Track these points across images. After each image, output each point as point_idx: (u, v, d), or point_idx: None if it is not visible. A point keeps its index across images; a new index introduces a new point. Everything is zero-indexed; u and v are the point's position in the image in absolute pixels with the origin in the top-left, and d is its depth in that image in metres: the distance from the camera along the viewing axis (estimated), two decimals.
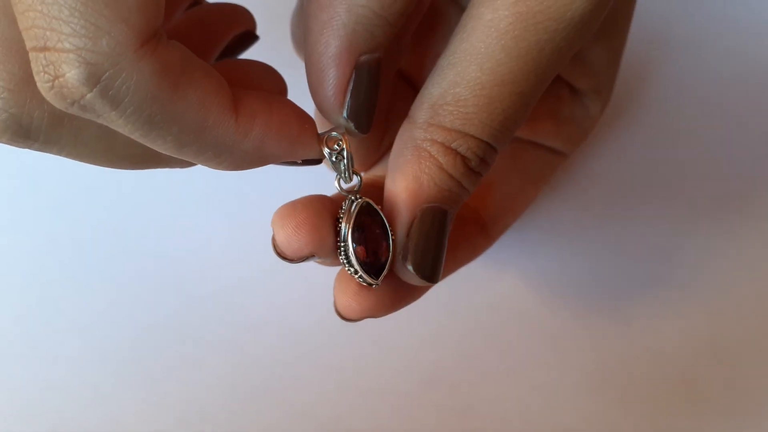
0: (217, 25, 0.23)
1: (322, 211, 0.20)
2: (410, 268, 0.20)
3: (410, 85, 0.27)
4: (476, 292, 0.31)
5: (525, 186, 0.28)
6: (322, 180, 0.29)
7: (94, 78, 0.16)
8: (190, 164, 0.20)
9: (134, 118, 0.17)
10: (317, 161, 0.21)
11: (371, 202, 0.21)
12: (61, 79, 0.16)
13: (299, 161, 0.21)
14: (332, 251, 0.21)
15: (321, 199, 0.21)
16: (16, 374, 0.29)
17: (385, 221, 0.21)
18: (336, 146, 0.20)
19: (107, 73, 0.16)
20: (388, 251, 0.21)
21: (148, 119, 0.17)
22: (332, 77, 0.20)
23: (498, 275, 0.31)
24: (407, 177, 0.20)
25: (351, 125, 0.20)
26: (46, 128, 0.18)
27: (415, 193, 0.20)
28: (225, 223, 0.32)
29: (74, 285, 0.31)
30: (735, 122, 0.34)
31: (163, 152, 0.18)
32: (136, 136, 0.17)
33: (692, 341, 0.30)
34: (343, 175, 0.21)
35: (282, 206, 0.20)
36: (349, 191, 0.21)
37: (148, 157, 0.20)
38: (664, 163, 0.33)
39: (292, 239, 0.20)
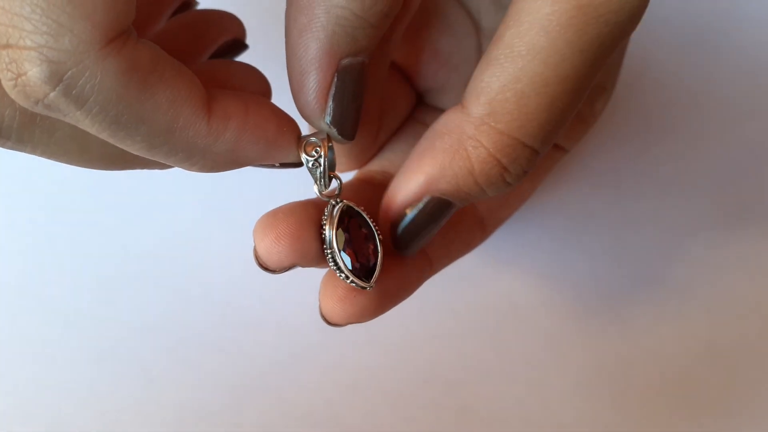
0: (205, 32, 0.23)
1: (304, 219, 0.20)
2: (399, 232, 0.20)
3: (405, 78, 0.27)
4: (473, 291, 0.31)
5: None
6: None
7: (56, 77, 0.15)
8: (169, 166, 0.20)
9: (101, 118, 0.16)
10: (297, 165, 0.20)
11: (351, 204, 0.21)
12: (23, 77, 0.15)
13: (277, 165, 0.20)
14: (315, 260, 0.20)
15: (304, 206, 0.20)
16: (12, 374, 0.29)
17: (369, 222, 0.21)
18: (314, 152, 0.20)
19: (70, 72, 0.15)
20: (376, 253, 0.20)
21: (115, 119, 0.16)
22: (313, 81, 0.19)
23: (495, 274, 0.31)
24: (434, 162, 0.19)
25: (334, 131, 0.20)
26: (18, 127, 0.18)
27: (433, 181, 0.19)
28: (221, 222, 0.32)
29: (70, 285, 0.31)
30: (734, 121, 0.33)
31: (135, 153, 0.18)
32: (105, 137, 0.17)
33: (689, 341, 0.29)
34: (319, 181, 0.20)
35: (263, 216, 0.20)
36: (330, 195, 0.21)
37: (124, 157, 0.19)
38: (663, 163, 0.32)
39: (273, 251, 0.20)
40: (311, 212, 0.20)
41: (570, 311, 0.30)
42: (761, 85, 0.33)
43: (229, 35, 0.23)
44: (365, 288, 0.20)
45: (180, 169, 0.22)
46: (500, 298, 0.30)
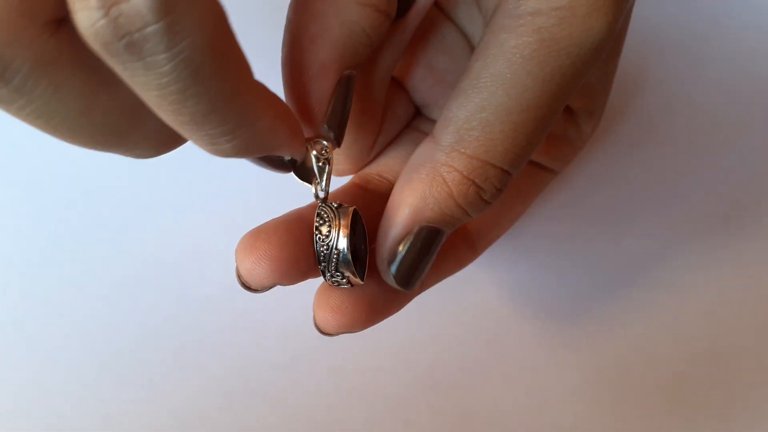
0: None
1: (286, 239, 0.20)
2: (392, 272, 0.21)
3: (401, 87, 0.27)
4: (472, 296, 0.31)
5: (513, 201, 0.28)
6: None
7: (168, 5, 0.13)
8: (154, 153, 0.18)
9: (182, 66, 0.14)
10: (290, 167, 0.21)
11: (358, 210, 0.21)
12: (122, 5, 0.13)
13: (271, 164, 0.20)
14: (295, 279, 0.21)
15: (286, 224, 0.21)
16: (15, 377, 0.29)
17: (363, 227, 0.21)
18: (323, 152, 0.20)
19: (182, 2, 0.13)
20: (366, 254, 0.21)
21: (196, 71, 0.14)
22: (318, 88, 0.20)
23: (494, 280, 0.31)
24: (415, 194, 0.20)
25: (331, 135, 0.21)
26: (27, 71, 0.14)
27: (417, 211, 0.20)
28: (223, 226, 0.32)
29: (73, 288, 0.31)
30: (724, 134, 0.34)
31: (178, 123, 0.15)
32: (165, 93, 0.15)
33: (687, 345, 0.30)
34: (323, 182, 0.21)
35: (245, 236, 0.20)
36: (323, 200, 0.21)
37: (118, 134, 0.17)
38: (656, 172, 0.33)
39: (254, 272, 0.20)
40: (294, 230, 0.21)
41: (568, 317, 0.30)
42: (751, 99, 0.35)
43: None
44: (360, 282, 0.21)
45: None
46: (499, 304, 0.31)
